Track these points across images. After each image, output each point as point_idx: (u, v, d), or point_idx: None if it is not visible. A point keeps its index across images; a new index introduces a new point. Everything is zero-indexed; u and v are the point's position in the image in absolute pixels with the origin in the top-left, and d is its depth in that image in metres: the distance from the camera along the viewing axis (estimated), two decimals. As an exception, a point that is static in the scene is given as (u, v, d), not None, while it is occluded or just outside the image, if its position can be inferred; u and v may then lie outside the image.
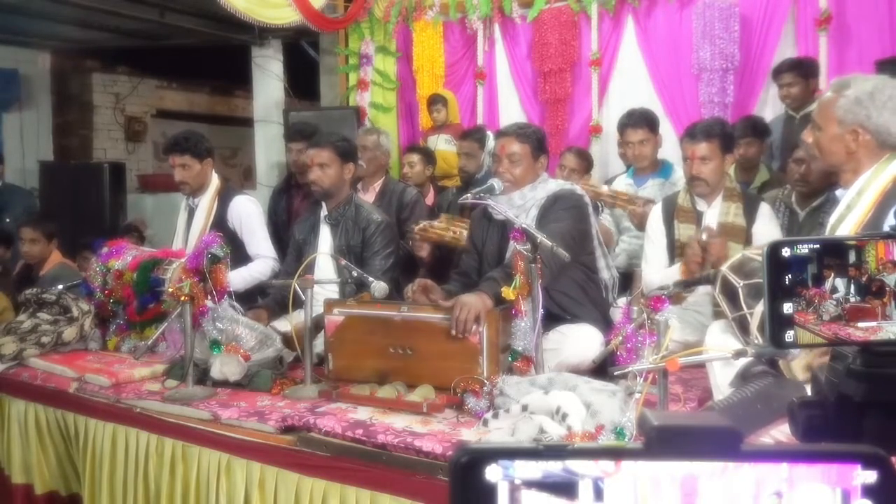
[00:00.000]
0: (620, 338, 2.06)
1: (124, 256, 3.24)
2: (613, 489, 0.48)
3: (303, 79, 7.37)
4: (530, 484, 0.48)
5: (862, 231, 1.95)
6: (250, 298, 3.50)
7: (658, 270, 3.16)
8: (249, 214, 3.71)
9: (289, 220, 4.23)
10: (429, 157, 4.91)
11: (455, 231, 3.65)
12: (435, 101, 5.62)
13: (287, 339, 2.80)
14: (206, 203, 3.70)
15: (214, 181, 3.74)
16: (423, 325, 2.48)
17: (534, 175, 2.91)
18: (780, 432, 1.83)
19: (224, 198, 3.71)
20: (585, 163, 4.61)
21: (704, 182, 3.06)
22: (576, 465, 0.48)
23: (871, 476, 0.47)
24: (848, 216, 2.05)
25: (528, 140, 2.90)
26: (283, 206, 4.46)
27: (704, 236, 2.81)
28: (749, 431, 1.85)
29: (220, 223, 3.63)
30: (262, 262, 3.66)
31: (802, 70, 4.28)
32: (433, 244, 3.80)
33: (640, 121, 3.94)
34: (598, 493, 0.48)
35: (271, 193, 4.89)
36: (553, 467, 0.48)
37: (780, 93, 4.40)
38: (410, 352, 2.46)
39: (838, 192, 2.17)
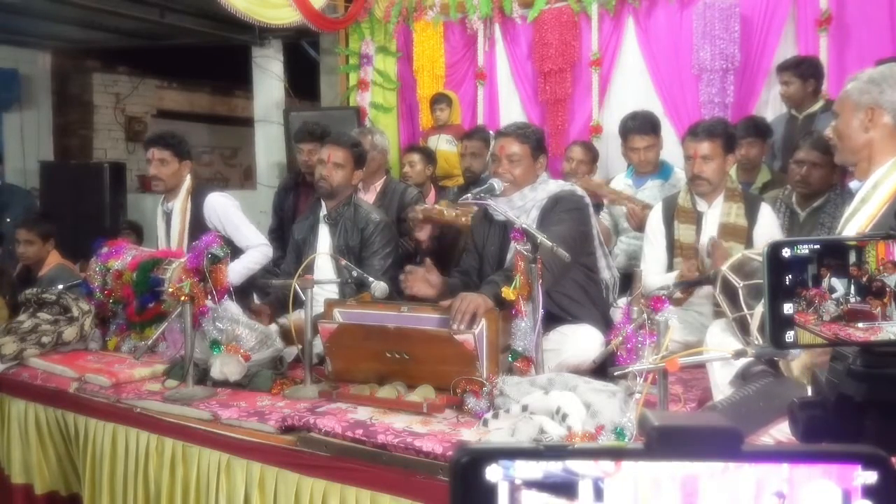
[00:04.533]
0: (620, 338, 2.06)
1: (124, 256, 3.23)
2: (614, 489, 0.48)
3: (303, 79, 7.37)
4: (530, 484, 0.48)
5: (874, 226, 1.93)
6: (245, 294, 3.48)
7: (657, 273, 3.16)
8: (226, 210, 3.65)
9: (294, 217, 4.22)
10: (429, 156, 4.91)
11: (457, 212, 3.62)
12: (439, 100, 5.62)
13: (285, 332, 2.80)
14: (179, 206, 3.66)
15: (186, 183, 3.68)
16: (417, 333, 2.46)
17: (533, 175, 2.91)
18: (779, 432, 1.84)
19: (196, 198, 3.66)
20: (591, 154, 4.63)
21: (706, 181, 3.06)
22: (576, 465, 0.48)
23: (871, 476, 0.47)
24: (862, 209, 2.03)
25: (528, 140, 2.89)
26: (290, 203, 4.44)
27: (707, 248, 2.81)
28: (750, 431, 1.85)
29: (197, 223, 3.58)
30: (255, 250, 3.61)
31: (800, 70, 4.28)
32: (433, 228, 3.76)
33: (646, 126, 3.92)
34: (599, 494, 0.48)
35: (277, 190, 4.86)
36: (553, 467, 0.48)
37: (780, 90, 4.42)
38: (407, 356, 2.46)
39: (853, 185, 2.15)
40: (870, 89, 2.05)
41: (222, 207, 3.65)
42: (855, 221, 2.01)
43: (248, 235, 3.64)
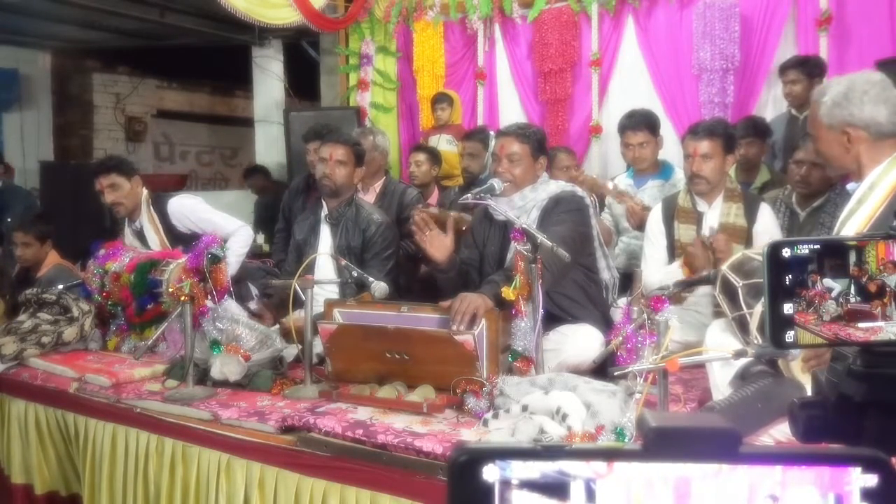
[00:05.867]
0: (620, 338, 2.06)
1: (121, 258, 3.23)
2: (606, 491, 0.48)
3: (303, 79, 7.38)
4: (523, 484, 0.48)
5: (871, 226, 1.93)
6: (242, 285, 3.47)
7: (658, 269, 3.16)
8: (193, 210, 3.62)
9: None
10: (435, 157, 4.89)
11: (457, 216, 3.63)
12: (440, 99, 5.61)
13: (285, 331, 2.80)
14: (147, 220, 3.62)
15: (144, 197, 3.65)
16: (417, 333, 2.46)
17: (533, 175, 2.91)
18: (779, 432, 1.83)
19: (159, 207, 3.62)
20: (575, 158, 4.63)
21: (705, 180, 3.06)
22: (569, 465, 0.48)
23: (871, 480, 0.47)
24: (859, 210, 2.04)
25: (528, 140, 2.90)
26: (300, 205, 4.43)
27: (707, 233, 2.81)
28: (749, 431, 1.85)
29: (171, 231, 3.57)
30: (237, 236, 3.59)
31: (807, 68, 4.28)
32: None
33: (641, 123, 3.93)
34: (590, 495, 0.47)
35: (288, 190, 4.85)
36: (549, 468, 0.48)
37: (783, 90, 4.41)
38: (407, 357, 2.46)
39: (849, 186, 2.16)
40: (837, 113, 2.06)
41: (187, 208, 3.62)
42: (853, 222, 2.01)
43: (224, 225, 3.60)
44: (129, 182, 3.59)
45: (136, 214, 3.66)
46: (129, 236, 3.75)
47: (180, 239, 3.46)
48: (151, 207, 3.63)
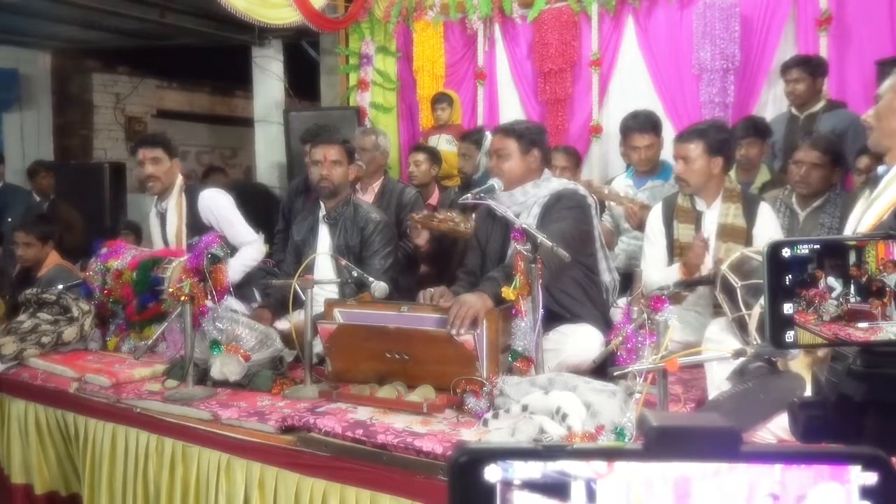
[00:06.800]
0: (620, 338, 2.06)
1: (123, 256, 3.24)
2: (606, 490, 0.48)
3: (303, 79, 7.37)
4: (524, 485, 0.48)
5: (892, 213, 1.94)
6: (246, 287, 3.48)
7: (658, 269, 3.16)
8: (220, 206, 3.65)
9: None
10: (435, 157, 4.89)
11: (453, 222, 3.63)
12: (440, 99, 5.61)
13: (286, 338, 2.80)
14: (174, 204, 3.64)
15: (179, 181, 3.69)
16: (417, 333, 2.46)
17: (527, 168, 2.90)
18: (780, 428, 1.84)
19: (191, 195, 3.65)
20: (575, 160, 4.53)
21: (686, 182, 3.08)
22: (569, 465, 0.48)
23: (871, 478, 0.47)
24: (885, 193, 2.04)
25: (513, 134, 2.90)
26: (300, 205, 4.43)
27: (711, 249, 2.82)
28: (751, 423, 1.85)
29: (193, 221, 3.59)
30: (250, 247, 3.62)
31: (810, 67, 4.28)
32: (431, 233, 3.79)
33: (647, 125, 3.92)
34: (591, 495, 0.47)
35: (287, 191, 4.85)
36: (550, 468, 0.48)
37: (785, 89, 4.41)
38: (407, 357, 2.46)
39: (880, 169, 2.16)
40: None
41: (217, 204, 3.65)
42: (878, 204, 2.01)
43: (242, 232, 3.63)
44: (170, 161, 3.64)
45: (166, 195, 3.68)
46: (152, 217, 3.80)
47: (199, 230, 3.47)
48: (184, 193, 3.66)
